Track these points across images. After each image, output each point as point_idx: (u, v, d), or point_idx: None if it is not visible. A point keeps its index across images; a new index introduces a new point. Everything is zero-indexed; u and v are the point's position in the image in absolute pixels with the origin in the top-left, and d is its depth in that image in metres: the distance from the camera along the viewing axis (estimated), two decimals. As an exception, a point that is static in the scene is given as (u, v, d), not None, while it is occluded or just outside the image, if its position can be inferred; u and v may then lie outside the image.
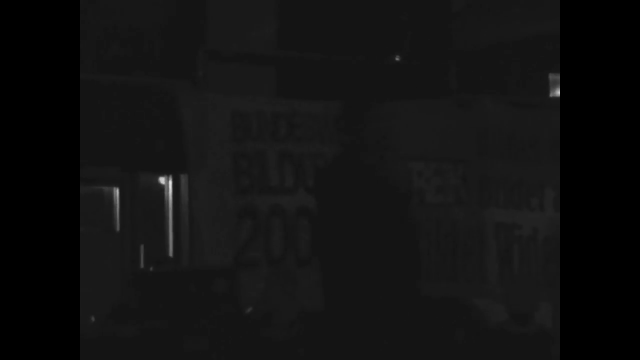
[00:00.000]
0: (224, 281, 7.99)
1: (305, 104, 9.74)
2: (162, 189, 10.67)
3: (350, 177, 7.05)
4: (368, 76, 10.83)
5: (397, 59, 11.75)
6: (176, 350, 6.48)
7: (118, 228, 10.30)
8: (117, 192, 10.33)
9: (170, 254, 10.62)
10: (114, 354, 6.19)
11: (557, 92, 11.09)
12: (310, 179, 9.39)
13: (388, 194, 7.05)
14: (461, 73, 10.44)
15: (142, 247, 10.32)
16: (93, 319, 8.31)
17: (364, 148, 7.21)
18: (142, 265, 10.23)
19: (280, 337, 7.08)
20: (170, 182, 10.63)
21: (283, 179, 9.40)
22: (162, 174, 10.59)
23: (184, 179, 10.50)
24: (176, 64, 10.17)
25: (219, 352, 6.95)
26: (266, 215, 9.27)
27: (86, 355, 4.85)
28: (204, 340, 6.90)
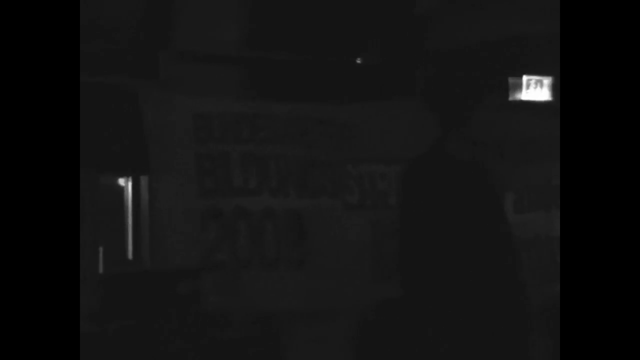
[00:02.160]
0: (189, 283, 7.93)
1: (269, 106, 9.72)
2: (121, 190, 10.53)
3: (444, 172, 6.66)
4: (334, 77, 10.81)
5: (359, 60, 11.76)
6: (144, 351, 6.38)
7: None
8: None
9: (130, 256, 10.49)
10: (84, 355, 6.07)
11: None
12: (274, 181, 9.36)
13: (486, 190, 6.68)
14: (433, 73, 10.47)
15: (100, 249, 10.17)
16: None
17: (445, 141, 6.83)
18: (101, 267, 10.09)
19: (239, 337, 7.04)
20: (130, 184, 10.50)
21: (247, 181, 9.38)
22: (121, 176, 10.46)
23: (144, 180, 10.38)
24: (140, 64, 10.06)
25: (184, 352, 6.89)
26: (231, 217, 9.23)
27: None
28: (170, 340, 6.83)
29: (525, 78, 11.08)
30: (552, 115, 9.44)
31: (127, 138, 10.13)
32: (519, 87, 11.00)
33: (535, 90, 11.00)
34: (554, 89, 11.00)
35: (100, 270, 10.00)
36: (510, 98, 11.08)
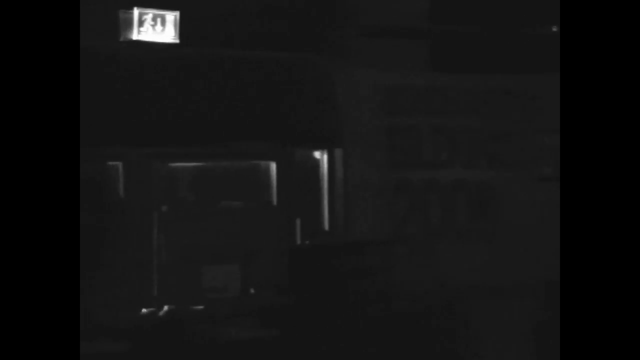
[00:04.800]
0: (379, 255, 8.05)
1: (459, 78, 9.72)
2: (317, 163, 10.78)
3: None
4: (523, 48, 10.69)
5: (554, 29, 11.53)
6: (328, 323, 6.56)
7: (275, 202, 10.47)
8: (273, 166, 10.49)
9: (326, 227, 10.74)
10: (269, 324, 6.33)
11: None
12: (465, 153, 9.38)
13: None
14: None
15: (298, 220, 10.46)
16: (252, 290, 8.49)
17: None
18: (298, 238, 10.38)
19: (413, 310, 7.09)
20: (325, 157, 10.73)
21: (438, 153, 9.42)
22: (317, 149, 10.69)
23: (338, 153, 10.59)
24: (330, 40, 10.24)
25: (370, 323, 7.00)
26: (422, 189, 9.30)
27: (241, 324, 4.98)
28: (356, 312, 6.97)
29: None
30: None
31: (321, 112, 10.36)
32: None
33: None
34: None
35: (298, 241, 10.31)
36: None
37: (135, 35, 9.31)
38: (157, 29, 9.43)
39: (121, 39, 9.32)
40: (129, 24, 9.33)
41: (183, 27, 9.52)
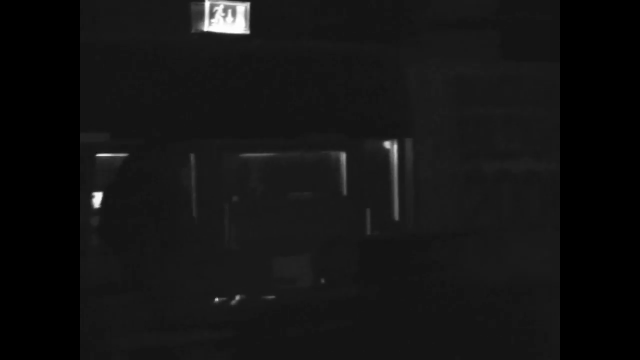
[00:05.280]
0: (449, 247, 7.99)
1: (530, 67, 9.63)
2: (387, 153, 10.76)
3: None
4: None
5: None
6: (399, 315, 6.55)
7: (345, 192, 10.48)
8: (344, 157, 10.50)
9: (396, 217, 10.72)
10: (340, 316, 6.33)
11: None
12: (537, 144, 9.30)
13: None
14: None
15: (368, 211, 10.46)
16: (323, 281, 8.51)
17: None
18: (368, 229, 10.38)
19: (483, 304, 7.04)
20: (396, 147, 10.70)
21: (510, 143, 9.35)
22: (387, 139, 10.68)
23: (409, 143, 10.56)
24: (399, 30, 10.20)
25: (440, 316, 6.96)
26: (494, 180, 9.25)
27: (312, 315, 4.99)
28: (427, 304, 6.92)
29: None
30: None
31: (392, 102, 10.33)
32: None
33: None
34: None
35: (368, 231, 10.32)
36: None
37: (206, 27, 9.35)
38: (228, 21, 9.47)
39: (192, 31, 9.38)
40: (200, 16, 9.38)
41: (254, 19, 9.55)
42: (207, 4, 9.34)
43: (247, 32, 9.56)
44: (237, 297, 9.36)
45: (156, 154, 5.26)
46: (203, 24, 9.36)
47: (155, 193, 5.09)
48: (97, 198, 8.74)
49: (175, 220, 5.19)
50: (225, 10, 9.46)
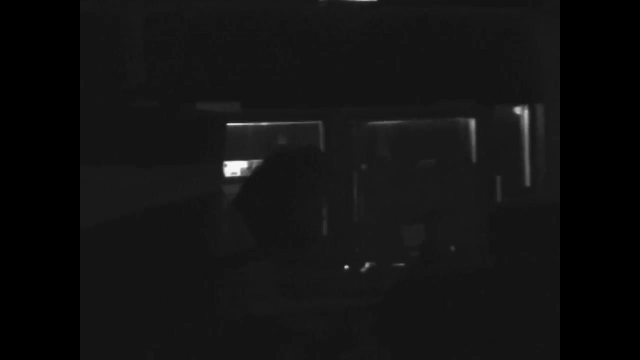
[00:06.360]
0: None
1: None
2: (517, 119, 10.62)
3: None
4: None
5: None
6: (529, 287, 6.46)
7: (475, 159, 10.39)
8: (473, 123, 10.41)
9: (527, 184, 10.60)
10: (470, 287, 6.31)
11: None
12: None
13: None
14: None
15: (498, 178, 10.36)
16: (453, 249, 8.46)
17: None
18: (498, 196, 10.29)
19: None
20: (526, 113, 10.56)
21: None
22: (517, 105, 10.54)
23: (540, 108, 10.41)
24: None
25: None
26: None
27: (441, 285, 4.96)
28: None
29: None
30: None
31: (522, 67, 10.20)
32: None
33: None
34: None
35: (498, 198, 10.22)
36: None
37: (335, -5, 9.39)
38: (356, -12, 9.48)
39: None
40: (328, -17, 9.41)
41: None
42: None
43: (376, -1, 9.57)
44: (367, 265, 9.41)
45: (311, 166, 5.27)
46: (331, -8, 9.39)
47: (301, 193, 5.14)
48: (229, 167, 8.90)
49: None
50: (353, -23, 9.47)
